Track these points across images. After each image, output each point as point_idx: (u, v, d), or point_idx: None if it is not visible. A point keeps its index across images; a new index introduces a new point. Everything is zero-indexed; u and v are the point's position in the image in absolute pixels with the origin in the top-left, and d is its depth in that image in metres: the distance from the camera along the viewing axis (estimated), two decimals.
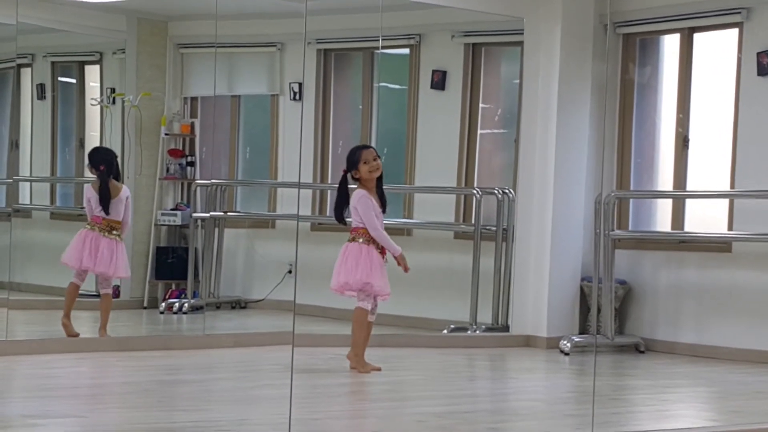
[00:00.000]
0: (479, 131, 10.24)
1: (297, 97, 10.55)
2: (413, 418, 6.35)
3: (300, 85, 10.52)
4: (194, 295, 10.07)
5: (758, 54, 8.98)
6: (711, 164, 9.50)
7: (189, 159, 10.42)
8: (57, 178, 10.15)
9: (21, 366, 7.64)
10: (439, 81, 10.26)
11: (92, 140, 9.99)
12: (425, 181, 10.26)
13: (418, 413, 6.51)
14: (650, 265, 9.57)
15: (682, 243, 9.43)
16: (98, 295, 8.82)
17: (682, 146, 9.55)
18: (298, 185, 10.49)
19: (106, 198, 8.67)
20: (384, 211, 7.82)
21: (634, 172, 9.82)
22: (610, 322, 9.25)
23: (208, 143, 10.48)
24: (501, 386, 8.15)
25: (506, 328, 9.64)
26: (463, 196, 10.17)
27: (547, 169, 9.49)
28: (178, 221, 10.26)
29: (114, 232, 8.70)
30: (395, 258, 7.75)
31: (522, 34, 9.63)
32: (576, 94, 9.55)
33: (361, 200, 7.72)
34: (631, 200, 9.79)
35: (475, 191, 9.81)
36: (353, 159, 7.77)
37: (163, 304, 10.08)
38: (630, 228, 9.76)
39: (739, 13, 9.08)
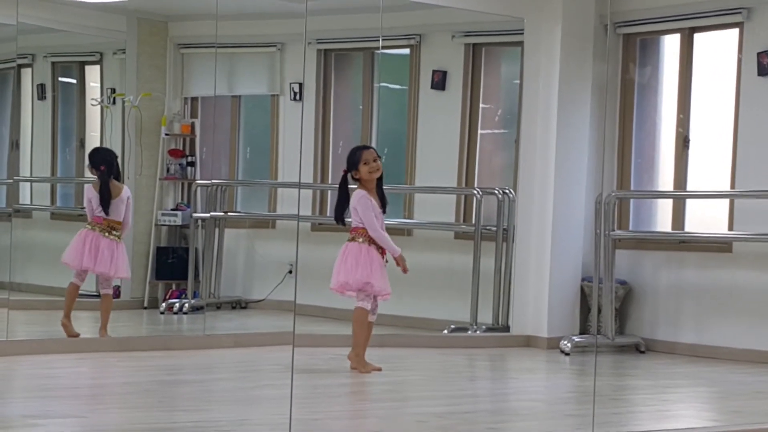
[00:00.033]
0: (479, 131, 10.24)
1: (297, 97, 10.55)
2: (414, 419, 6.35)
3: (300, 85, 10.52)
4: (194, 296, 10.07)
5: (759, 54, 8.98)
6: (711, 164, 9.50)
7: (189, 159, 10.42)
8: (57, 178, 10.15)
9: (21, 366, 7.64)
10: (440, 81, 10.26)
11: (92, 140, 9.99)
12: (425, 182, 10.26)
13: (419, 413, 6.51)
14: (651, 265, 9.57)
15: (682, 243, 9.43)
16: (98, 296, 8.82)
17: (682, 146, 9.55)
18: (299, 185, 10.49)
19: (106, 198, 8.67)
20: (384, 212, 7.82)
21: (634, 172, 9.82)
22: (610, 323, 9.25)
23: (209, 143, 10.48)
24: (501, 386, 8.15)
25: (507, 329, 9.64)
26: (463, 197, 10.17)
27: (548, 170, 9.49)
28: (179, 221, 10.26)
29: (114, 232, 8.70)
30: (395, 259, 7.75)
31: (522, 34, 9.63)
32: (576, 95, 9.55)
33: (360, 200, 7.72)
34: (631, 200, 9.79)
35: (475, 191, 9.81)
36: (353, 159, 7.77)
37: (164, 304, 10.08)
38: (630, 228, 9.76)
39: (740, 13, 9.09)
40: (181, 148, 10.40)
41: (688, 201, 9.53)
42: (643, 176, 9.86)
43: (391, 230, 8.00)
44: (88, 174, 8.93)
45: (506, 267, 9.66)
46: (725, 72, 9.31)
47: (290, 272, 10.19)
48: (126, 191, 8.82)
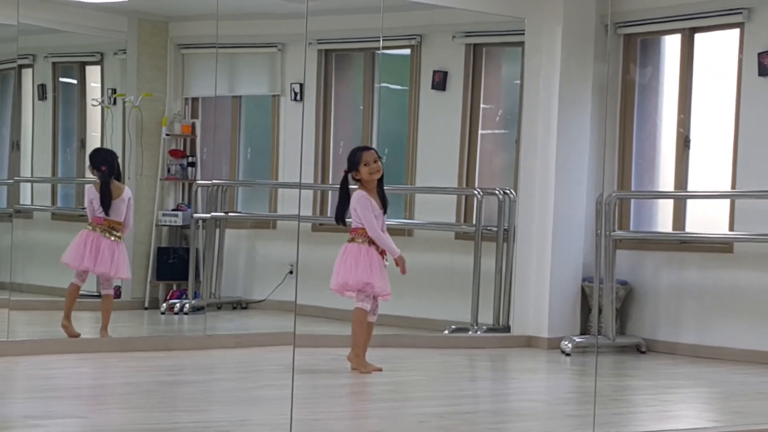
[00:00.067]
0: (480, 132, 10.24)
1: (298, 97, 10.55)
2: (414, 419, 6.35)
3: (301, 85, 10.52)
4: (195, 296, 10.07)
5: (759, 54, 8.98)
6: (712, 165, 9.50)
7: (190, 159, 10.42)
8: (58, 178, 10.15)
9: (22, 367, 7.64)
10: (440, 81, 10.26)
11: (93, 141, 9.99)
12: (426, 182, 10.26)
13: (420, 414, 6.52)
14: (651, 265, 9.57)
15: (683, 243, 9.43)
16: (99, 296, 8.82)
17: (683, 147, 9.55)
18: (299, 186, 10.48)
19: (107, 199, 8.67)
20: (385, 212, 7.82)
21: (635, 172, 9.82)
22: (611, 323, 9.25)
23: (209, 144, 10.48)
24: (502, 387, 8.15)
25: (507, 329, 9.63)
26: (464, 197, 10.17)
27: (548, 170, 9.49)
28: (179, 222, 10.26)
29: (115, 232, 8.70)
30: (394, 260, 7.75)
31: (523, 34, 9.63)
32: (577, 95, 9.55)
33: (360, 201, 7.72)
34: (632, 200, 9.79)
35: (476, 192, 9.81)
36: (354, 160, 7.77)
37: (165, 304, 10.08)
38: (631, 228, 9.76)
39: (740, 13, 9.08)
40: (181, 149, 10.40)
41: (689, 201, 9.53)
42: (643, 176, 9.86)
43: (392, 230, 8.00)
44: (89, 174, 8.93)
45: (507, 267, 9.66)
46: (726, 72, 9.31)
47: (291, 272, 10.19)
48: (127, 192, 8.82)
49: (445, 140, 10.23)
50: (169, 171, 10.32)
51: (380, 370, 7.75)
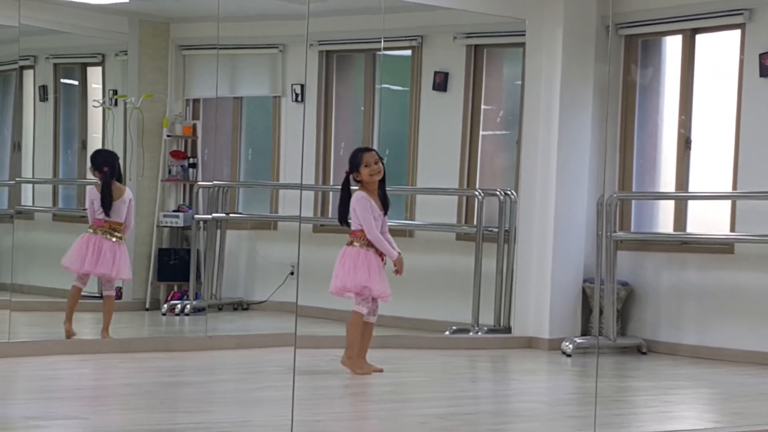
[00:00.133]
0: (481, 132, 10.24)
1: (299, 98, 10.55)
2: (415, 420, 6.35)
3: (302, 86, 10.52)
4: (196, 297, 10.07)
5: (760, 55, 8.98)
6: (713, 165, 9.50)
7: (191, 161, 10.42)
8: (59, 179, 10.15)
9: (23, 368, 7.64)
10: (441, 82, 10.26)
11: (94, 142, 10.00)
12: (427, 183, 10.26)
13: (420, 415, 6.52)
14: (652, 266, 9.57)
15: (684, 244, 9.43)
16: (100, 297, 8.82)
17: (684, 147, 9.55)
18: (300, 187, 10.48)
19: (107, 200, 8.67)
20: (386, 213, 7.81)
21: (636, 173, 9.82)
22: (612, 324, 9.24)
23: (210, 145, 10.49)
24: (503, 388, 8.15)
25: (508, 330, 9.63)
26: (465, 198, 10.17)
27: (549, 171, 9.49)
28: (180, 223, 10.26)
29: (116, 233, 8.70)
30: (392, 262, 7.75)
31: (524, 35, 9.63)
32: (578, 96, 9.55)
33: (359, 201, 7.72)
34: (633, 201, 9.79)
35: (477, 192, 9.81)
36: (355, 161, 7.77)
37: (166, 305, 10.09)
38: (632, 229, 9.76)
39: (742, 14, 9.08)
40: (182, 150, 10.40)
41: (690, 202, 9.52)
42: (644, 177, 9.86)
43: (393, 231, 8.00)
44: (90, 175, 8.93)
45: (508, 268, 9.66)
46: (727, 73, 9.31)
47: (292, 274, 10.19)
48: (128, 193, 8.82)
49: (446, 141, 10.23)
50: (170, 172, 10.32)
51: (381, 371, 7.75)
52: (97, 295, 8.98)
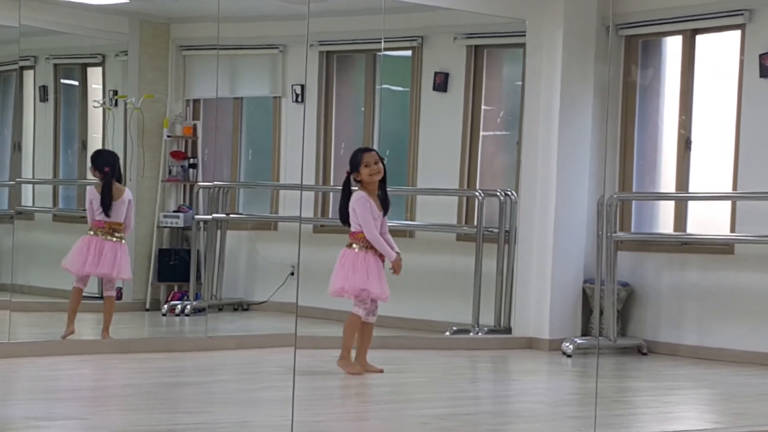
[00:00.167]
0: (481, 133, 10.24)
1: (299, 99, 10.55)
2: (415, 420, 6.35)
3: (302, 87, 10.52)
4: (196, 297, 10.07)
5: (761, 56, 8.98)
6: (713, 166, 9.50)
7: (191, 161, 10.42)
8: (59, 180, 10.15)
9: (24, 368, 7.64)
10: (442, 83, 10.26)
11: (94, 142, 10.00)
12: (427, 183, 10.26)
13: (421, 415, 6.52)
14: (653, 267, 9.57)
15: (684, 245, 9.43)
16: (101, 297, 8.82)
17: (684, 148, 9.55)
18: (300, 187, 10.48)
19: (107, 200, 8.66)
20: (386, 214, 7.81)
21: (636, 173, 9.82)
22: (612, 324, 9.24)
23: (211, 145, 10.49)
24: (503, 388, 8.15)
25: (508, 330, 9.63)
26: (465, 198, 10.17)
27: (550, 171, 9.49)
28: (181, 223, 10.26)
29: (117, 234, 8.70)
30: (391, 262, 7.74)
31: (524, 36, 9.63)
32: (578, 96, 9.55)
33: (359, 201, 7.72)
34: (633, 202, 9.78)
35: (477, 193, 9.81)
36: (355, 161, 7.77)
37: (166, 306, 10.09)
38: (632, 230, 9.76)
39: (742, 14, 9.08)
40: (183, 150, 10.40)
41: (690, 203, 9.52)
42: (645, 178, 9.86)
43: (393, 232, 8.00)
44: (90, 176, 8.93)
45: (508, 269, 9.66)
46: (727, 74, 9.31)
47: (292, 274, 10.19)
48: (128, 193, 8.82)
49: (447, 141, 10.23)
50: (170, 172, 10.32)
51: (381, 371, 7.75)
52: (97, 295, 8.98)
